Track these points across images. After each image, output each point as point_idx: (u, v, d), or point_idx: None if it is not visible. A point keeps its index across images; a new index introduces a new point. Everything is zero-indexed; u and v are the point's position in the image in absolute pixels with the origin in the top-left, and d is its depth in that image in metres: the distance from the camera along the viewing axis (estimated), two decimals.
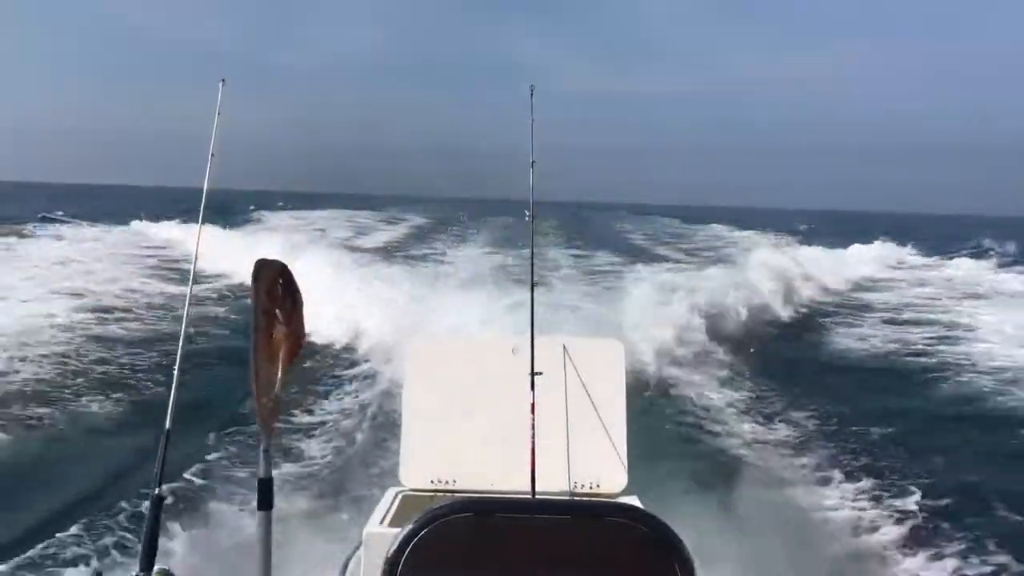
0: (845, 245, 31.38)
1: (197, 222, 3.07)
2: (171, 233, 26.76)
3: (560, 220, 45.03)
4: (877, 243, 33.80)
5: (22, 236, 25.50)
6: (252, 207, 43.23)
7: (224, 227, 24.80)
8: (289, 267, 2.53)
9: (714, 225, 50.98)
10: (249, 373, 2.40)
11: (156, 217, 31.92)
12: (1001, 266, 29.25)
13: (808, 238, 36.74)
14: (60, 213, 34.15)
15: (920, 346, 14.54)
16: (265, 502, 2.20)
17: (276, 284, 2.44)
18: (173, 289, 16.76)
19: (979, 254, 33.89)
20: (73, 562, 5.17)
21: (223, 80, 3.01)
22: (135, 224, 31.55)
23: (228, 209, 28.02)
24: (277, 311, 2.42)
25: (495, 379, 3.85)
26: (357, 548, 3.38)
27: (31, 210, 36.09)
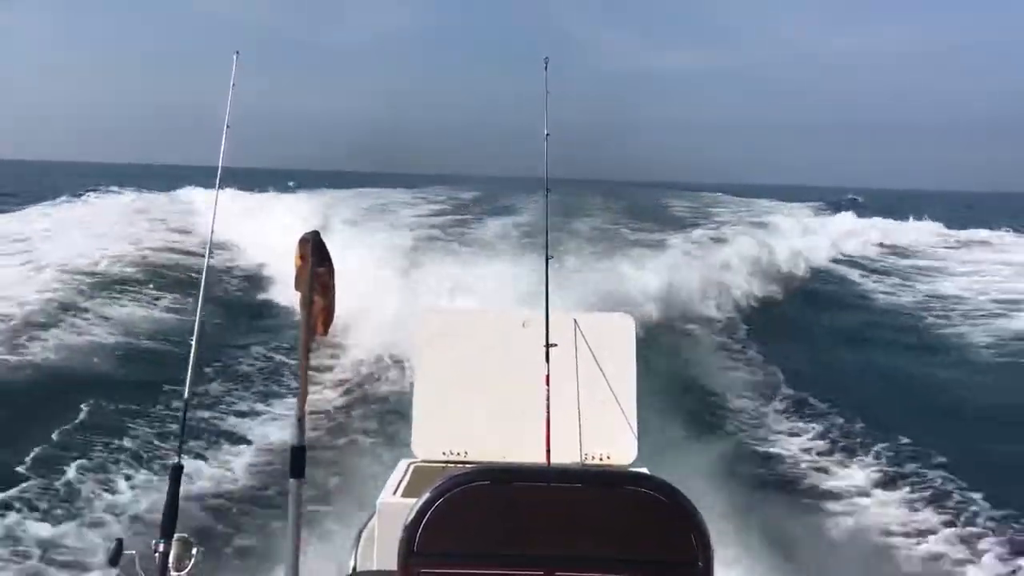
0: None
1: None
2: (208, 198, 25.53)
3: (600, 198, 44.13)
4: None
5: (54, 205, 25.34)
6: (291, 183, 42.35)
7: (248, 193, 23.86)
8: (321, 235, 2.55)
9: (758, 199, 50.10)
10: (299, 344, 2.42)
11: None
12: None
13: (859, 213, 35.46)
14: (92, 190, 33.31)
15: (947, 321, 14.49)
16: (298, 470, 2.23)
17: (314, 255, 2.46)
18: (194, 260, 16.74)
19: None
20: (94, 530, 5.26)
21: (237, 53, 3.02)
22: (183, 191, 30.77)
23: (262, 188, 26.76)
24: (315, 282, 2.44)
25: (506, 352, 3.89)
26: (371, 518, 3.44)
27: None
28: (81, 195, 27.74)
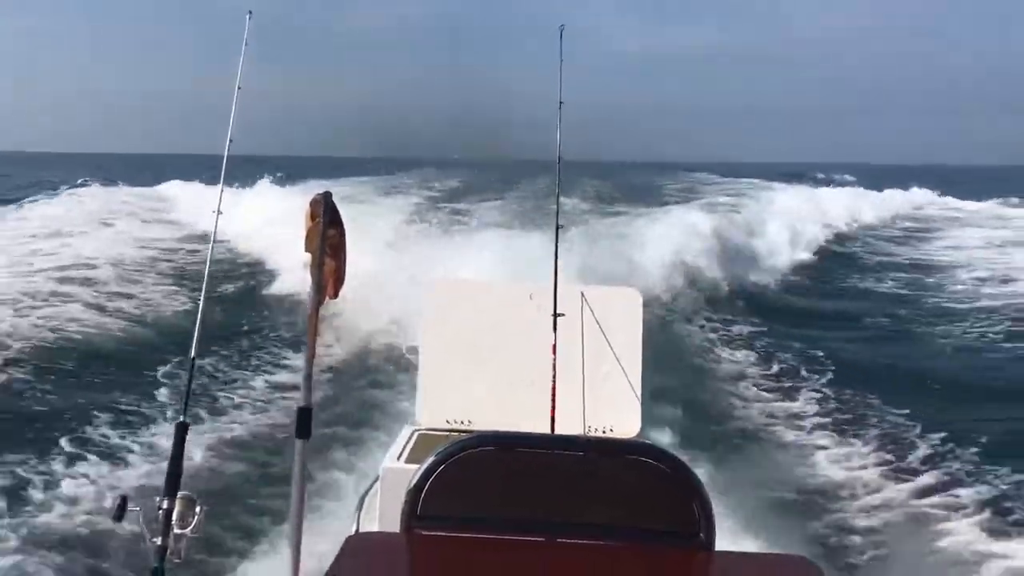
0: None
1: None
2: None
3: (600, 178, 43.92)
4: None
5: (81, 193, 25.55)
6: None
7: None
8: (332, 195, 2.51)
9: (751, 179, 49.90)
10: (310, 303, 2.40)
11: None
12: None
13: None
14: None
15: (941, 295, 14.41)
16: (303, 430, 2.22)
17: (325, 216, 2.43)
18: (202, 226, 16.75)
19: None
20: (99, 489, 5.31)
21: (250, 12, 2.96)
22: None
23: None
24: (326, 243, 2.42)
25: (513, 323, 3.89)
26: (374, 483, 3.46)
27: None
28: (84, 184, 27.94)
